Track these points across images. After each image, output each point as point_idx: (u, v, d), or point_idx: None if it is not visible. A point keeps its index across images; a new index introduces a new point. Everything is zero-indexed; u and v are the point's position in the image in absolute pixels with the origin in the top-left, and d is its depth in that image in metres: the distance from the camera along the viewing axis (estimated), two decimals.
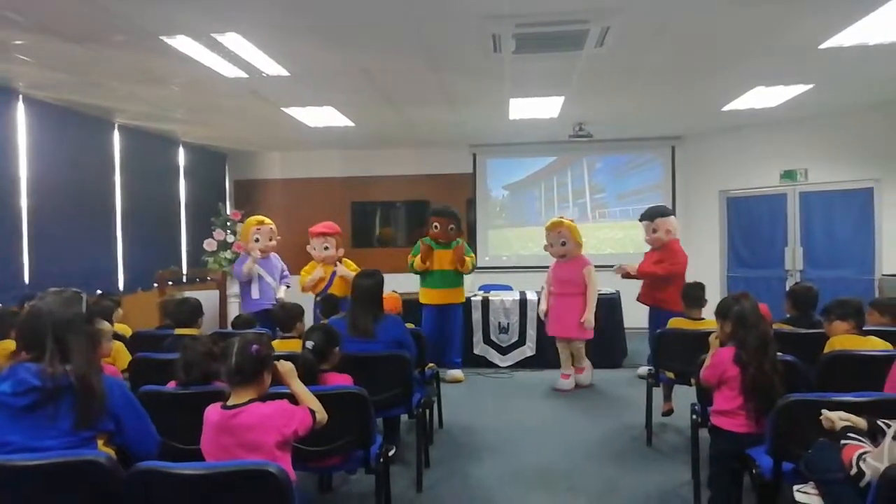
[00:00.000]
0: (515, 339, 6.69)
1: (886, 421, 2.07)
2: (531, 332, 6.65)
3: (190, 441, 2.32)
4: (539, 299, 6.23)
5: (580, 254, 5.79)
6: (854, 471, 1.96)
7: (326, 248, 5.72)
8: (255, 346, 2.28)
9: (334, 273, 5.69)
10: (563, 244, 5.73)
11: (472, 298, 6.79)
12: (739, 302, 2.93)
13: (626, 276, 5.71)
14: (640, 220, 5.80)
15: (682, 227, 8.20)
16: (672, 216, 5.71)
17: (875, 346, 3.19)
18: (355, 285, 3.79)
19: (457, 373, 6.08)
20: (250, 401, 2.25)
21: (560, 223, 5.78)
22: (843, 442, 2.09)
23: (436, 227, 5.85)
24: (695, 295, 4.37)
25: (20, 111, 5.52)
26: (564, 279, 5.73)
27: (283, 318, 3.73)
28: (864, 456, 1.97)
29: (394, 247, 9.05)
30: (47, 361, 1.98)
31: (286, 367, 2.46)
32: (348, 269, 5.67)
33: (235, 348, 2.27)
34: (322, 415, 2.38)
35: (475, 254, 8.99)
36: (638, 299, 5.70)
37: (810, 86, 5.75)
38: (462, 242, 6.01)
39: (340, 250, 5.77)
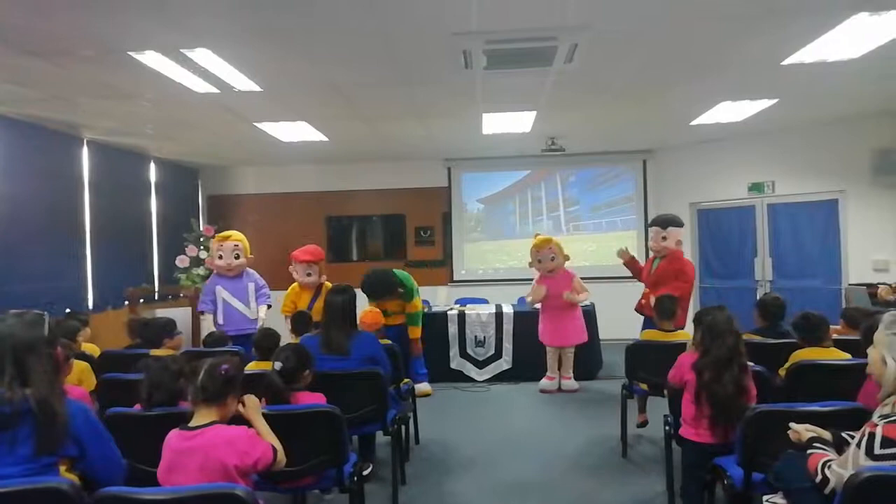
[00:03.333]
0: (492, 352, 6.70)
1: (851, 433, 2.11)
2: (507, 346, 6.67)
3: (157, 464, 2.26)
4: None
5: (564, 267, 6.15)
6: (819, 478, 2.00)
7: (310, 275, 5.50)
8: (224, 366, 2.26)
9: (315, 297, 5.49)
10: (553, 259, 6.08)
11: (448, 312, 6.80)
12: (713, 313, 2.99)
13: (629, 262, 5.73)
14: (651, 226, 5.57)
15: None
16: (682, 227, 5.55)
17: (838, 357, 3.26)
18: (327, 302, 3.76)
19: (424, 386, 5.99)
20: (212, 422, 2.22)
21: (549, 240, 6.17)
22: (808, 451, 2.13)
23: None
24: (667, 307, 4.41)
25: None
26: (555, 292, 6.04)
27: (262, 345, 3.68)
28: (829, 463, 2.01)
29: (372, 261, 8.99)
30: (6, 385, 1.93)
31: (251, 402, 2.43)
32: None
33: (205, 367, 2.25)
34: (282, 456, 2.31)
35: (451, 267, 9.12)
36: (639, 310, 5.50)
37: (775, 100, 5.90)
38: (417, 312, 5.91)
39: (323, 277, 5.66)
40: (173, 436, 2.22)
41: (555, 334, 6.13)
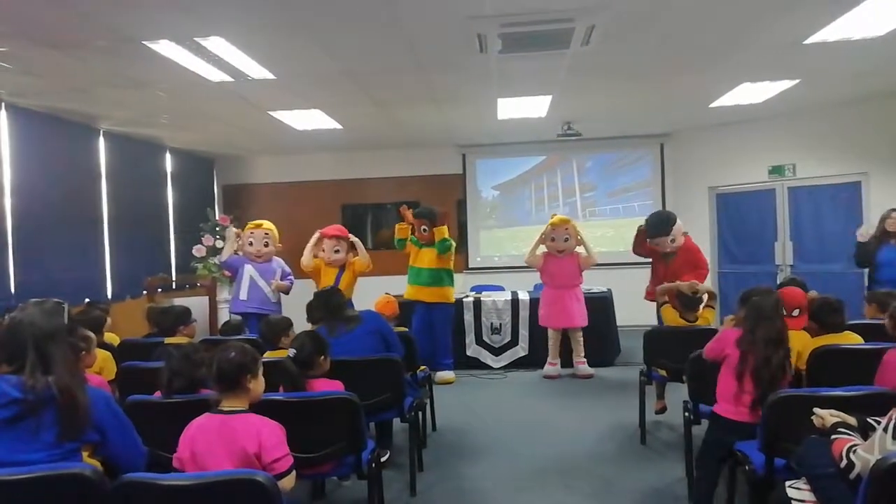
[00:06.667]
0: (508, 339, 6.68)
1: (876, 418, 2.07)
2: (524, 332, 6.65)
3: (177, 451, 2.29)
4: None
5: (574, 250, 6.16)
6: (844, 463, 1.96)
7: (337, 252, 5.65)
8: (232, 353, 2.27)
9: (341, 272, 5.63)
10: (566, 240, 6.09)
11: (464, 299, 6.78)
12: (763, 294, 2.95)
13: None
14: (654, 238, 5.28)
15: None
16: (677, 220, 5.39)
17: (856, 342, 3.19)
18: (322, 304, 3.82)
19: (447, 374, 6.05)
20: (243, 410, 2.24)
21: (567, 220, 6.22)
22: (833, 436, 2.09)
23: (414, 228, 5.97)
24: (689, 299, 4.37)
25: (3, 119, 5.46)
26: (560, 272, 6.09)
27: (265, 333, 3.71)
28: (854, 448, 1.97)
29: (387, 249, 8.98)
30: (28, 373, 1.94)
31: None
32: (360, 258, 5.71)
33: (215, 361, 2.27)
34: (293, 481, 2.24)
35: (466, 254, 9.11)
36: (650, 298, 5.37)
37: (796, 81, 5.77)
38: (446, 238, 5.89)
39: (350, 254, 5.73)
40: (203, 417, 2.23)
41: (559, 316, 6.11)
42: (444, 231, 5.84)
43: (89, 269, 6.51)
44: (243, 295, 5.60)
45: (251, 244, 5.66)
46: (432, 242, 5.87)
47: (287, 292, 5.79)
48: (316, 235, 5.74)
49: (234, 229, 6.03)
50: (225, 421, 2.20)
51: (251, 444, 2.14)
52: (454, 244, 6.01)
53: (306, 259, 5.70)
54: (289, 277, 5.82)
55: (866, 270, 6.60)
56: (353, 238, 5.78)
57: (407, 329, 4.70)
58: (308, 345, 2.95)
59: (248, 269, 5.63)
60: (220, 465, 2.13)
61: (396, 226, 6.17)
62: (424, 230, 5.90)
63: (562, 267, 6.09)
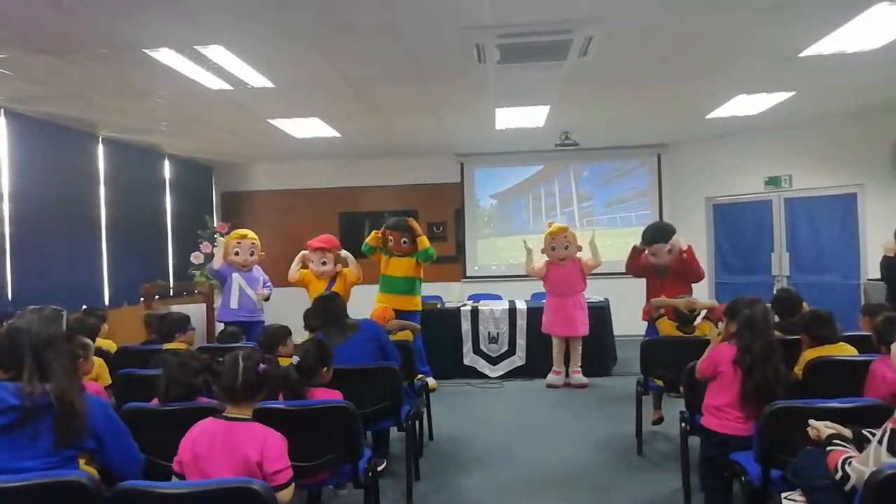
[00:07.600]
0: (505, 348, 6.68)
1: (871, 430, 2.08)
2: (521, 342, 6.65)
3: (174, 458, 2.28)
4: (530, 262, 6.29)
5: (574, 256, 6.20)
6: (839, 475, 1.97)
7: (325, 264, 5.61)
8: (262, 367, 2.26)
9: (332, 283, 5.62)
10: (566, 248, 6.14)
11: (462, 308, 6.79)
12: (751, 306, 2.95)
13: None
14: (652, 244, 5.22)
15: None
16: (675, 230, 5.37)
17: (846, 352, 3.21)
18: (320, 309, 3.82)
19: (429, 381, 5.98)
20: (248, 418, 2.24)
21: (565, 228, 6.28)
22: (828, 448, 2.10)
23: (390, 240, 5.86)
24: (686, 315, 4.37)
25: (2, 125, 5.46)
26: (563, 280, 6.12)
27: (262, 341, 3.72)
28: (849, 460, 1.97)
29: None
30: (26, 380, 1.94)
31: None
32: (351, 268, 5.68)
33: (242, 367, 2.23)
34: (290, 493, 2.23)
35: (464, 263, 9.12)
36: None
37: (792, 93, 5.82)
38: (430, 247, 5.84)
39: (339, 265, 5.71)
40: (209, 422, 2.23)
41: (562, 324, 6.12)
42: (425, 241, 5.82)
43: (87, 275, 6.50)
44: (234, 304, 5.69)
45: (237, 254, 5.77)
46: (408, 253, 5.82)
47: (267, 300, 5.94)
48: (301, 253, 5.76)
49: (222, 238, 6.13)
50: (230, 427, 2.19)
51: (254, 452, 2.14)
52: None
53: (292, 272, 5.72)
54: (267, 285, 5.97)
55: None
56: (342, 253, 5.74)
57: (411, 339, 4.71)
58: (313, 353, 2.95)
59: (237, 278, 5.74)
60: (220, 470, 2.12)
61: (374, 232, 5.97)
62: (405, 242, 5.81)
63: (566, 274, 6.12)
